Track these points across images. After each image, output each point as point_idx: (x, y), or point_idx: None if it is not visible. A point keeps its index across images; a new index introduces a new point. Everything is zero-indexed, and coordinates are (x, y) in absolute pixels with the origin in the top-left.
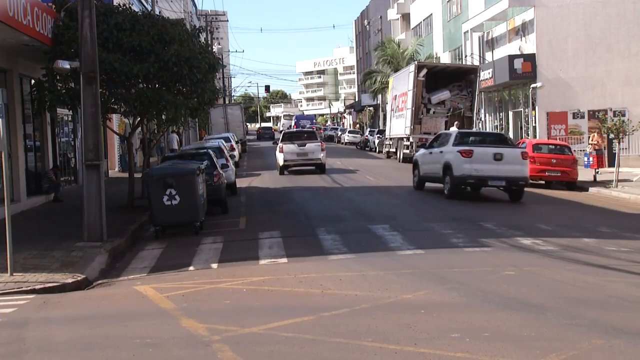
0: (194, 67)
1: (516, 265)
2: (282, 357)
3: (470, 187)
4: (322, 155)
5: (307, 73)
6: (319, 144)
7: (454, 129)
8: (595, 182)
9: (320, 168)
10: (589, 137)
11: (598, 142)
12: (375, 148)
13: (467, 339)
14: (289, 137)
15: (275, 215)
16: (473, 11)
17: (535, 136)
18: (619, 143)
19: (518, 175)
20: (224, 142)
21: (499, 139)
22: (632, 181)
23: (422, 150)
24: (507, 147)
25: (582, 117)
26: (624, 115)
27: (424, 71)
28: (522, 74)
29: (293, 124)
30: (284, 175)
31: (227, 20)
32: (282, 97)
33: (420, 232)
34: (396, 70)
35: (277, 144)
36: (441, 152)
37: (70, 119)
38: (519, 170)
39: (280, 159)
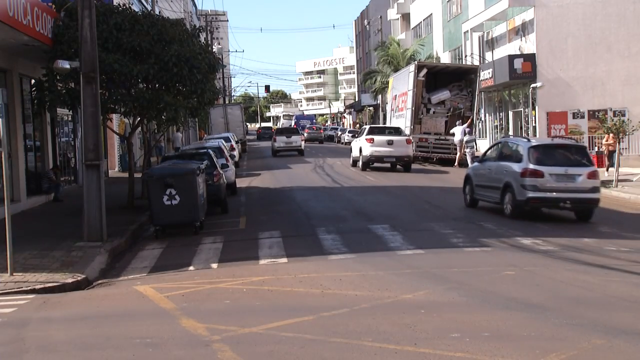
0: (194, 67)
1: (516, 265)
2: (282, 357)
3: (372, 162)
4: (302, 144)
5: (307, 73)
6: (300, 137)
7: (456, 129)
8: None
9: (300, 152)
10: (589, 137)
11: (613, 142)
12: None
13: (467, 339)
14: (280, 131)
15: (275, 215)
16: (473, 11)
17: (535, 136)
18: (618, 143)
19: (403, 154)
20: (223, 142)
21: (395, 131)
22: (632, 181)
23: (353, 140)
24: (398, 136)
25: (582, 117)
26: (623, 115)
27: (424, 71)
28: (522, 74)
29: (293, 123)
30: (284, 175)
31: (227, 20)
32: (282, 97)
33: (420, 232)
34: (396, 70)
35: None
36: (359, 140)
37: (70, 119)
38: (404, 151)
39: (274, 146)
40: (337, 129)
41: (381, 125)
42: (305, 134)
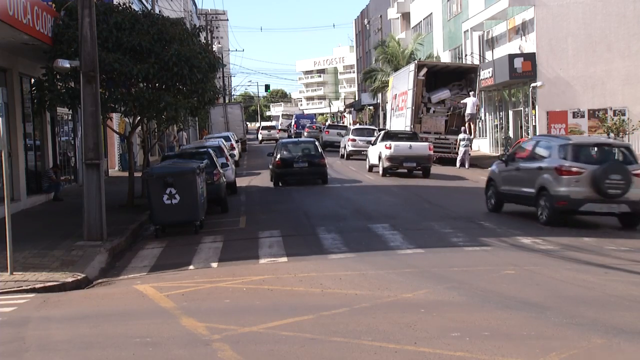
0: (194, 66)
1: (516, 265)
2: (282, 356)
3: (327, 147)
4: (278, 135)
5: (307, 72)
6: (276, 131)
7: (468, 99)
8: None
9: (276, 141)
10: (589, 136)
11: None
12: None
13: (467, 338)
14: (263, 127)
15: (275, 214)
16: (473, 10)
17: (535, 135)
18: None
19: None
20: (223, 141)
21: (341, 127)
22: None
23: (321, 133)
24: (343, 130)
25: (582, 116)
26: (624, 114)
27: (424, 70)
28: (522, 73)
29: (293, 123)
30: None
31: (227, 20)
32: (282, 96)
33: (420, 231)
34: (396, 69)
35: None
36: (322, 132)
37: (70, 118)
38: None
39: (259, 137)
40: None
41: (336, 124)
42: (306, 133)
